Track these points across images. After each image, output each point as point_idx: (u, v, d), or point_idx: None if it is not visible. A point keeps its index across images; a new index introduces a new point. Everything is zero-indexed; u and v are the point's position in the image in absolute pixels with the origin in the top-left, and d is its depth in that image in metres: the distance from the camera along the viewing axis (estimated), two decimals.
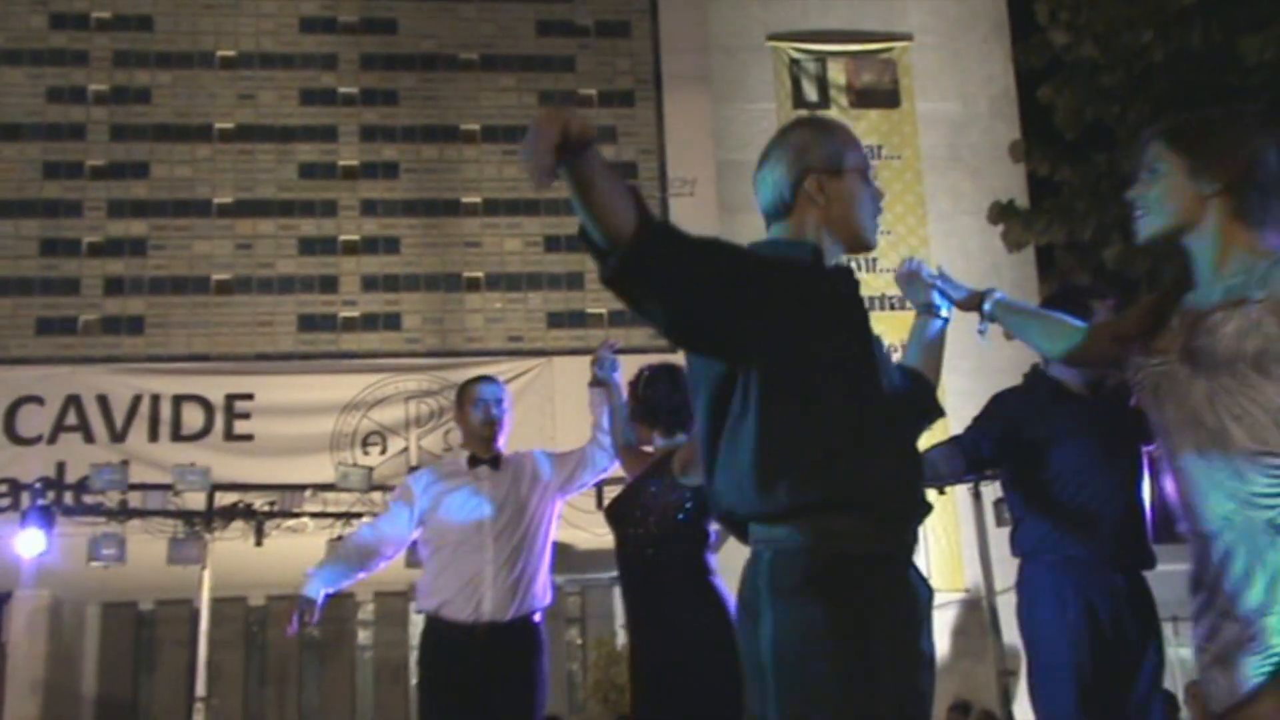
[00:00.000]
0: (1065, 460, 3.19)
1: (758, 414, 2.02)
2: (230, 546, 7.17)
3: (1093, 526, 3.13)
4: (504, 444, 4.10)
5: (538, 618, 4.00)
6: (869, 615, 1.96)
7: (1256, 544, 2.06)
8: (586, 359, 4.00)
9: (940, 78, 10.30)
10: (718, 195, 9.18)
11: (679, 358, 2.51)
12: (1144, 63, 6.47)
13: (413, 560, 4.84)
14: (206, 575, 7.02)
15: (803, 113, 9.96)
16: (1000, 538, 6.57)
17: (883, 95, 10.20)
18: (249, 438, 8.87)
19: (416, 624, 6.24)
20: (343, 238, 9.15)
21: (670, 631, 3.35)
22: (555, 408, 8.46)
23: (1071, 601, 3.11)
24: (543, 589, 4.01)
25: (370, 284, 9.08)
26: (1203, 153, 2.25)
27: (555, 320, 8.88)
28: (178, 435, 8.89)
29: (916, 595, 2.05)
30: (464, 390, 4.19)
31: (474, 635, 3.87)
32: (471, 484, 4.03)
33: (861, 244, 2.25)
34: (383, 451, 8.88)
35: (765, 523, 2.05)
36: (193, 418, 8.95)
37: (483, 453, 4.07)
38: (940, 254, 9.52)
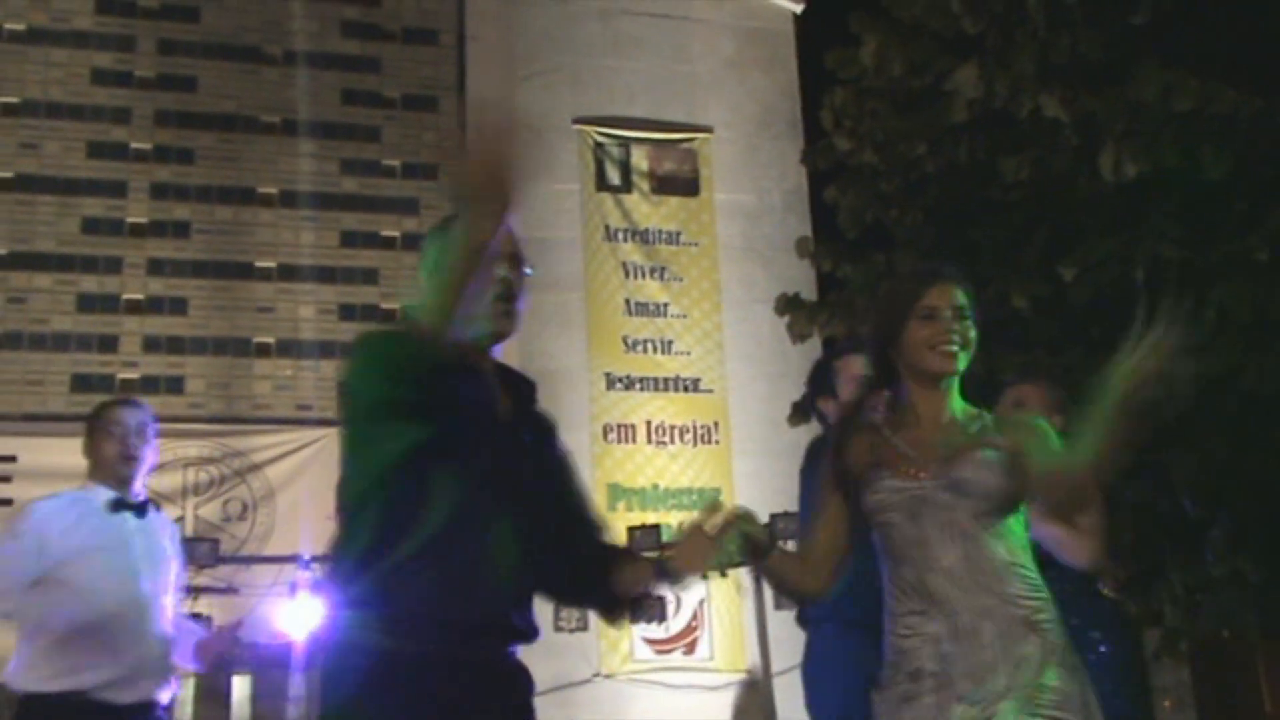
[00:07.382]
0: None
1: (380, 505, 2.28)
2: None
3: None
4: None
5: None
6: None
7: (1009, 635, 2.41)
8: None
9: (738, 171, 10.68)
10: None
11: None
12: (918, 172, 6.89)
13: None
14: None
15: (605, 196, 10.16)
16: (779, 620, 6.75)
17: (683, 183, 10.50)
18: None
19: None
20: (126, 296, 8.80)
21: None
22: None
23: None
24: None
25: (153, 345, 8.74)
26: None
27: None
28: None
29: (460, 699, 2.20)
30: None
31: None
32: None
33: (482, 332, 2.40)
34: None
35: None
36: None
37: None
38: (733, 340, 9.80)
